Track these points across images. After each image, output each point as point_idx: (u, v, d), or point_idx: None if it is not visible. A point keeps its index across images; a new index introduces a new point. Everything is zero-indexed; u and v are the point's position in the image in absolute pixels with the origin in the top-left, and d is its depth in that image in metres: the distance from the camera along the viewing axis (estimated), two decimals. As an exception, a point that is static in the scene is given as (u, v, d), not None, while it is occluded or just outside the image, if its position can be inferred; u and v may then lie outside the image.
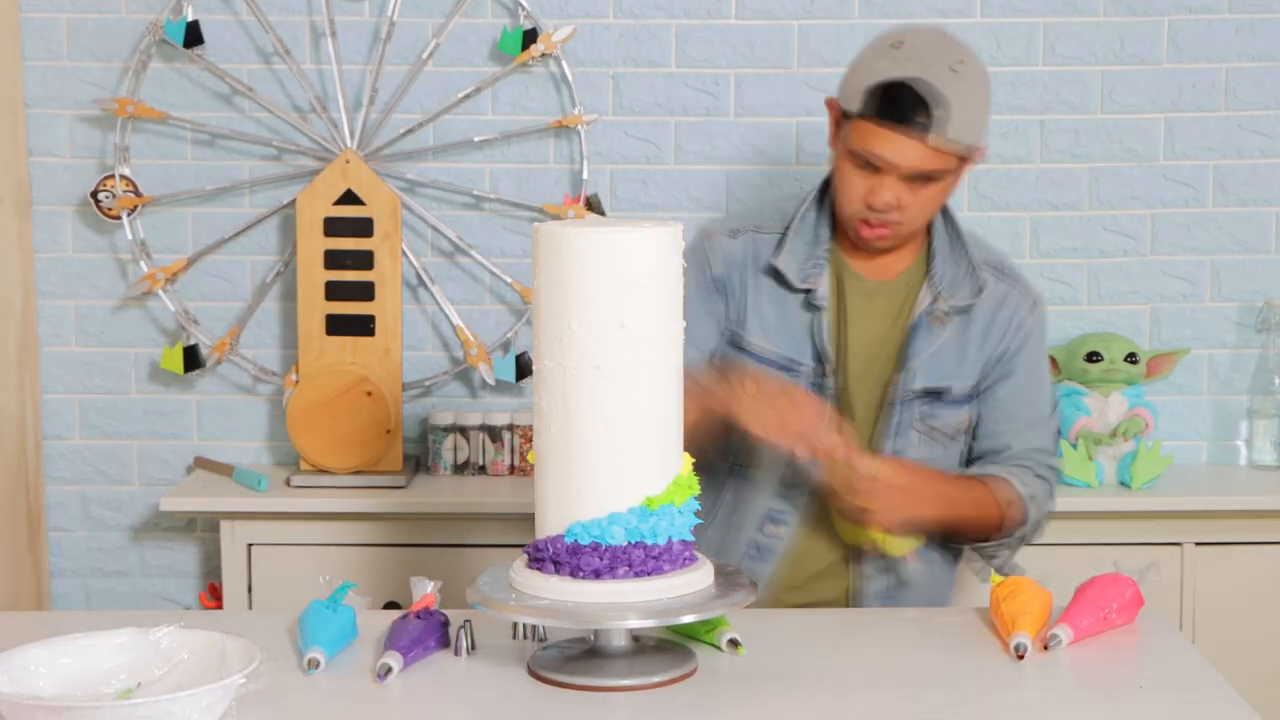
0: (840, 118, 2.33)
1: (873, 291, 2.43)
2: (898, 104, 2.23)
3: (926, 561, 2.44)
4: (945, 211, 2.46)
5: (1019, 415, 2.46)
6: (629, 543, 1.92)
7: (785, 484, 2.41)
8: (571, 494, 1.93)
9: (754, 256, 2.42)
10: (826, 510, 2.41)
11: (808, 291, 2.40)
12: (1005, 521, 2.42)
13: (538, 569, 1.95)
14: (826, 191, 2.44)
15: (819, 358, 2.40)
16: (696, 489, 2.00)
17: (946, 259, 2.44)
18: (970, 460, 2.49)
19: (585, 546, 1.91)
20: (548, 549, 1.94)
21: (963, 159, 2.31)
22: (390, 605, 2.97)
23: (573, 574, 1.92)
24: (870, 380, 2.42)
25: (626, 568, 1.92)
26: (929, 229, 2.44)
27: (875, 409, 2.42)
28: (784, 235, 2.41)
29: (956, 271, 2.43)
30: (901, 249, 2.43)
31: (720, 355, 2.43)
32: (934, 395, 2.42)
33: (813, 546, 2.43)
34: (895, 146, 2.25)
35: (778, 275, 2.40)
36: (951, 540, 2.45)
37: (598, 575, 1.91)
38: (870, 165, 2.28)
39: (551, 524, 1.95)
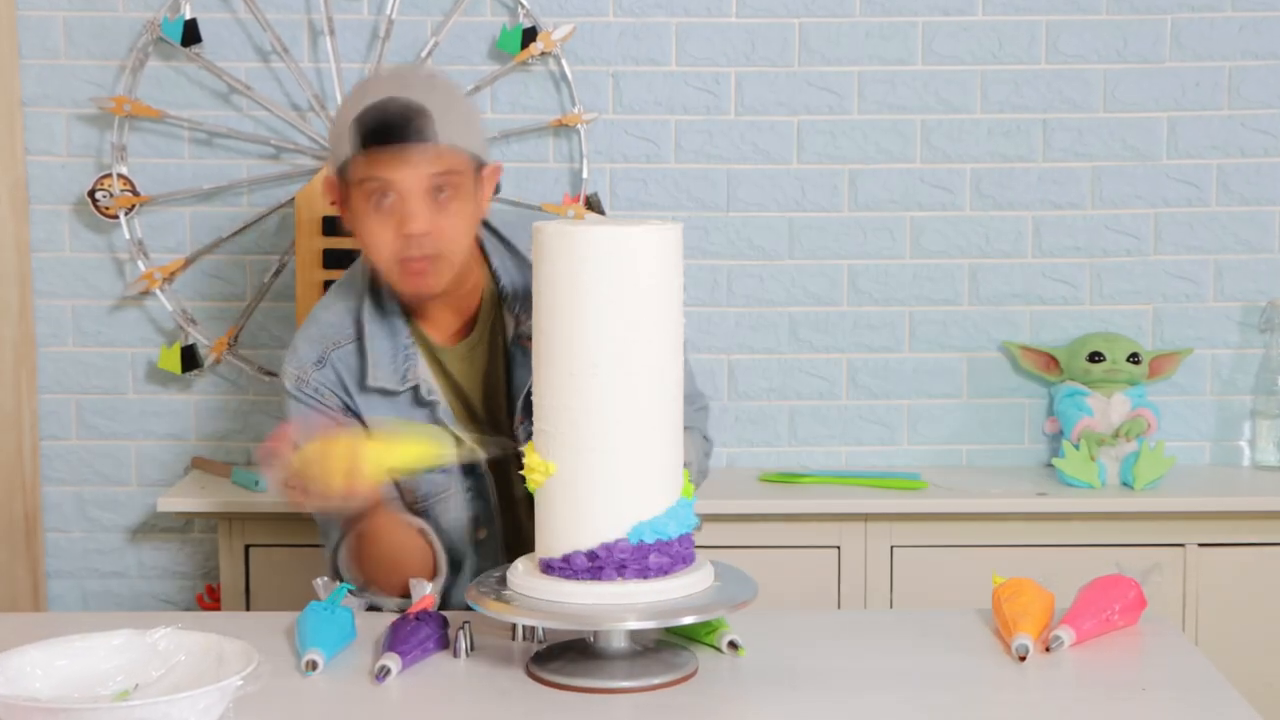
0: (339, 186, 2.25)
1: (463, 354, 2.35)
2: (380, 124, 2.16)
3: None
4: (485, 225, 2.37)
5: None
6: (679, 535, 1.94)
7: (471, 491, 2.37)
8: (633, 494, 1.93)
9: (348, 375, 2.32)
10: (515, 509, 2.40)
11: (414, 389, 2.30)
12: None
13: (593, 577, 1.93)
14: (376, 283, 2.33)
15: (458, 442, 2.32)
16: (693, 490, 2.03)
17: (510, 274, 2.34)
18: None
19: (650, 545, 1.92)
20: (609, 555, 1.92)
21: (474, 167, 2.23)
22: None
23: (642, 575, 1.92)
24: (508, 432, 2.33)
25: (683, 562, 1.96)
26: (482, 253, 2.35)
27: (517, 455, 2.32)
28: (361, 344, 2.31)
29: (524, 279, 2.30)
30: (463, 298, 2.32)
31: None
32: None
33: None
34: (396, 163, 2.16)
35: (379, 389, 2.31)
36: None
37: (664, 572, 1.93)
38: (383, 195, 2.18)
39: (599, 530, 1.93)
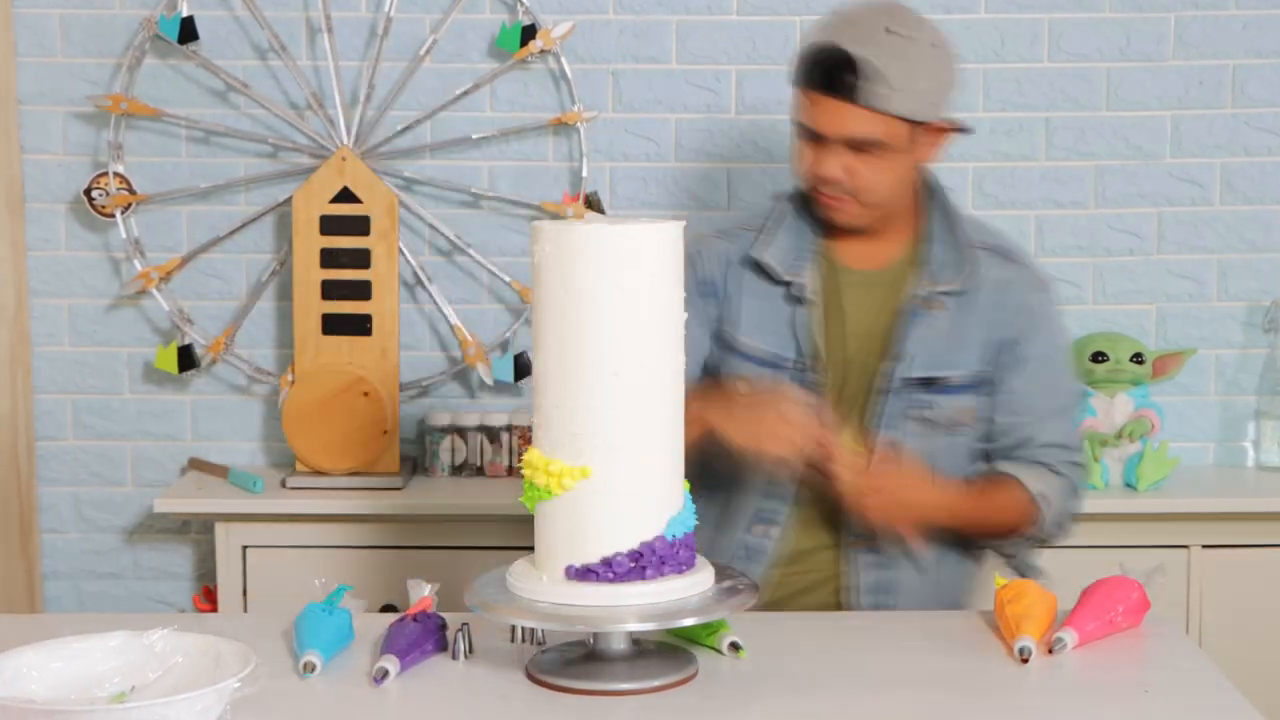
0: (793, 93, 2.35)
1: (862, 282, 2.41)
2: (821, 69, 2.24)
3: (938, 560, 2.42)
4: (937, 194, 2.44)
5: (1035, 406, 2.40)
6: (689, 530, 1.97)
7: (772, 483, 2.40)
8: (663, 492, 1.95)
9: (741, 253, 2.42)
10: (816, 508, 2.39)
11: (789, 284, 2.38)
12: (1017, 523, 2.39)
13: (638, 579, 1.92)
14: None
15: (802, 352, 2.38)
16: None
17: (940, 243, 2.41)
18: (990, 457, 2.44)
19: (681, 540, 1.95)
20: (651, 553, 1.92)
21: (915, 128, 2.28)
22: (387, 608, 2.96)
23: (678, 570, 1.94)
24: (861, 371, 2.39)
25: (696, 554, 1.99)
26: (922, 213, 2.42)
27: (864, 400, 2.39)
28: (762, 229, 2.41)
29: (951, 256, 2.39)
30: (888, 235, 2.40)
31: (713, 360, 2.43)
32: (928, 384, 2.38)
33: (804, 545, 2.42)
34: (825, 113, 2.25)
35: (760, 269, 2.40)
36: (959, 543, 2.44)
37: (692, 565, 1.96)
38: (813, 135, 2.29)
39: (638, 530, 1.93)
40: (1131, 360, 3.32)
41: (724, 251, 2.43)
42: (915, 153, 2.32)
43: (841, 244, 2.42)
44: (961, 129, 2.37)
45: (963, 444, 2.42)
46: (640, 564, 1.92)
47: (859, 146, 2.26)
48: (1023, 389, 2.40)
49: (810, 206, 2.41)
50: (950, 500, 2.34)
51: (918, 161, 2.34)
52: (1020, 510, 2.38)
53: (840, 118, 2.25)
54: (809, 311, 2.38)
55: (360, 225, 3.24)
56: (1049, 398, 2.42)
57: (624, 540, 1.93)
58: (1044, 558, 3.03)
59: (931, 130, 2.31)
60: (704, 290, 2.41)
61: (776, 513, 2.41)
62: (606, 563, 1.92)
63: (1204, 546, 3.19)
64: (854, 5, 2.31)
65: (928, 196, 2.43)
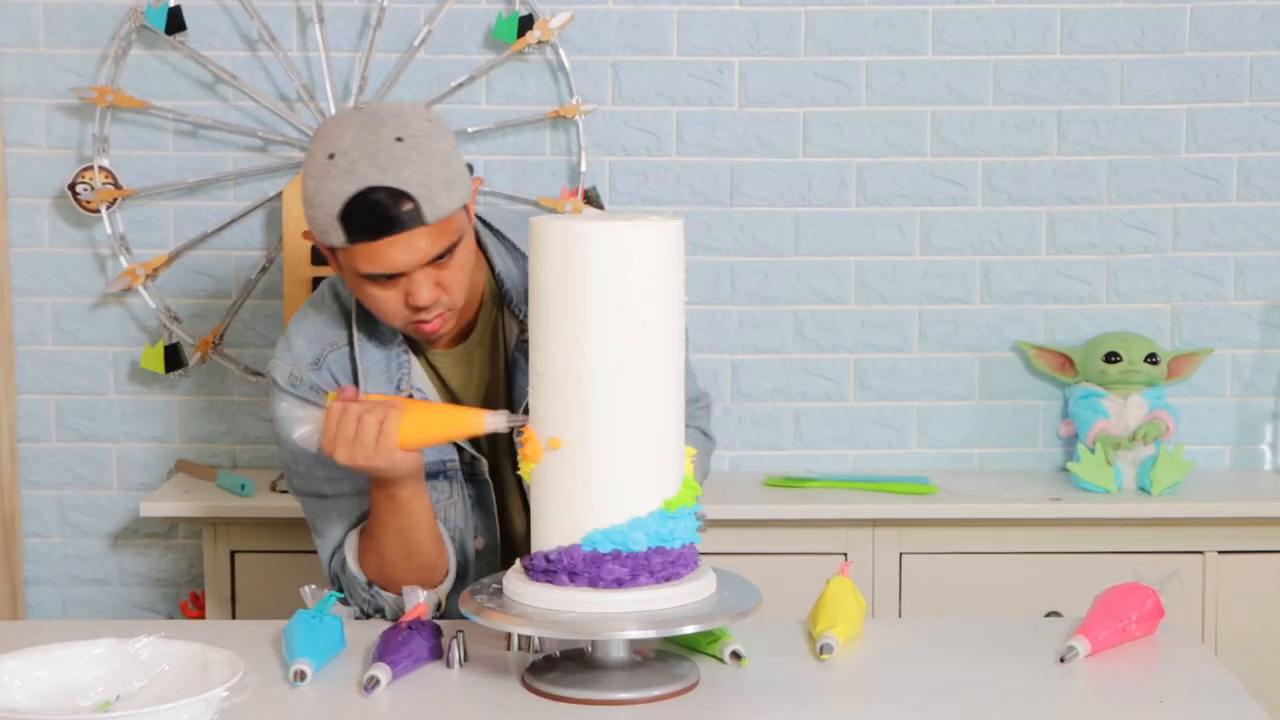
0: (327, 250, 2.22)
1: (460, 357, 2.35)
2: (373, 216, 2.11)
3: None
4: (484, 224, 2.37)
5: None
6: (650, 549, 1.93)
7: (472, 499, 2.37)
8: (590, 501, 1.93)
9: (343, 380, 2.32)
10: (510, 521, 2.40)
11: (409, 398, 2.28)
12: None
13: (549, 581, 1.94)
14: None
15: (458, 448, 2.33)
16: (700, 490, 2.01)
17: (513, 275, 2.34)
18: None
19: (606, 555, 1.92)
20: (562, 560, 1.93)
21: (466, 210, 2.22)
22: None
23: (593, 584, 1.92)
24: (508, 439, 2.31)
25: (649, 575, 1.93)
26: (483, 254, 2.34)
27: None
28: (352, 351, 2.32)
29: (523, 276, 2.30)
30: (467, 306, 2.32)
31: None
32: None
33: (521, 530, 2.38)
34: (398, 251, 2.14)
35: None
36: None
37: (620, 584, 1.92)
38: (389, 278, 2.18)
39: (562, 533, 1.94)
40: (1146, 361, 3.32)
41: (326, 383, 2.31)
42: (471, 228, 2.25)
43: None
44: (473, 173, 2.29)
45: None
46: (550, 568, 1.94)
47: (436, 260, 2.17)
48: None
49: (388, 331, 2.31)
50: None
51: (472, 236, 2.27)
52: None
53: (414, 247, 2.14)
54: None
55: (352, 221, 3.23)
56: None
57: (547, 541, 1.95)
58: (1051, 561, 3.04)
59: (471, 196, 2.25)
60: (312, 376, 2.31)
61: (481, 520, 2.38)
62: (531, 558, 1.96)
63: (1220, 552, 3.19)
64: (340, 138, 2.15)
65: (482, 237, 2.35)
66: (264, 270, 3.39)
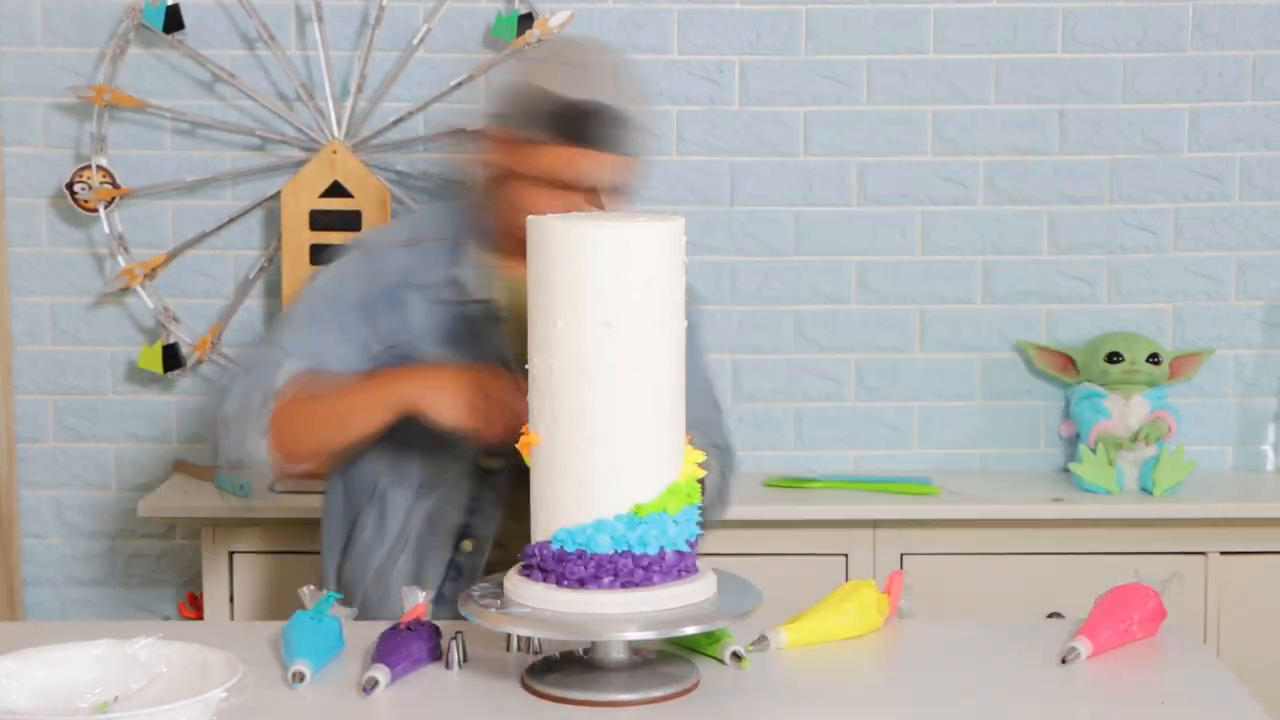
0: (512, 143, 2.32)
1: None
2: (594, 126, 2.28)
3: None
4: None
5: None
6: (616, 551, 1.92)
7: (474, 496, 2.38)
8: (559, 499, 1.94)
9: (431, 266, 2.38)
10: (519, 519, 2.40)
11: (485, 302, 2.36)
12: None
13: (527, 576, 1.96)
14: (482, 210, 2.41)
15: (505, 364, 2.33)
16: (696, 498, 2.00)
17: None
18: None
19: (571, 554, 1.92)
20: (535, 555, 1.94)
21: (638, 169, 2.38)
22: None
23: (558, 582, 1.93)
24: None
25: (612, 577, 1.92)
26: None
27: None
28: (457, 245, 2.40)
29: None
30: None
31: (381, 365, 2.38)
32: None
33: (509, 558, 2.39)
34: (603, 168, 2.29)
35: (456, 286, 2.38)
36: None
37: (582, 584, 1.92)
38: (564, 186, 2.30)
39: (541, 529, 1.96)
40: (1147, 361, 3.32)
41: (410, 263, 2.38)
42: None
43: (518, 262, 2.35)
44: None
45: None
46: (527, 562, 1.96)
47: (608, 190, 2.32)
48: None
49: (503, 243, 2.38)
50: None
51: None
52: None
53: (610, 169, 2.30)
54: (501, 326, 2.36)
55: (352, 220, 3.24)
56: (697, 409, 2.37)
57: (535, 535, 1.97)
58: (1056, 563, 3.04)
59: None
60: (366, 310, 2.36)
61: (480, 527, 2.39)
62: (522, 551, 1.98)
63: (1222, 553, 3.19)
64: (584, 50, 2.38)
65: None
66: (262, 270, 3.39)
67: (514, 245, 2.33)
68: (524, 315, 2.33)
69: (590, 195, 2.30)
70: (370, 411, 2.26)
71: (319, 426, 2.29)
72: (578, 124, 2.27)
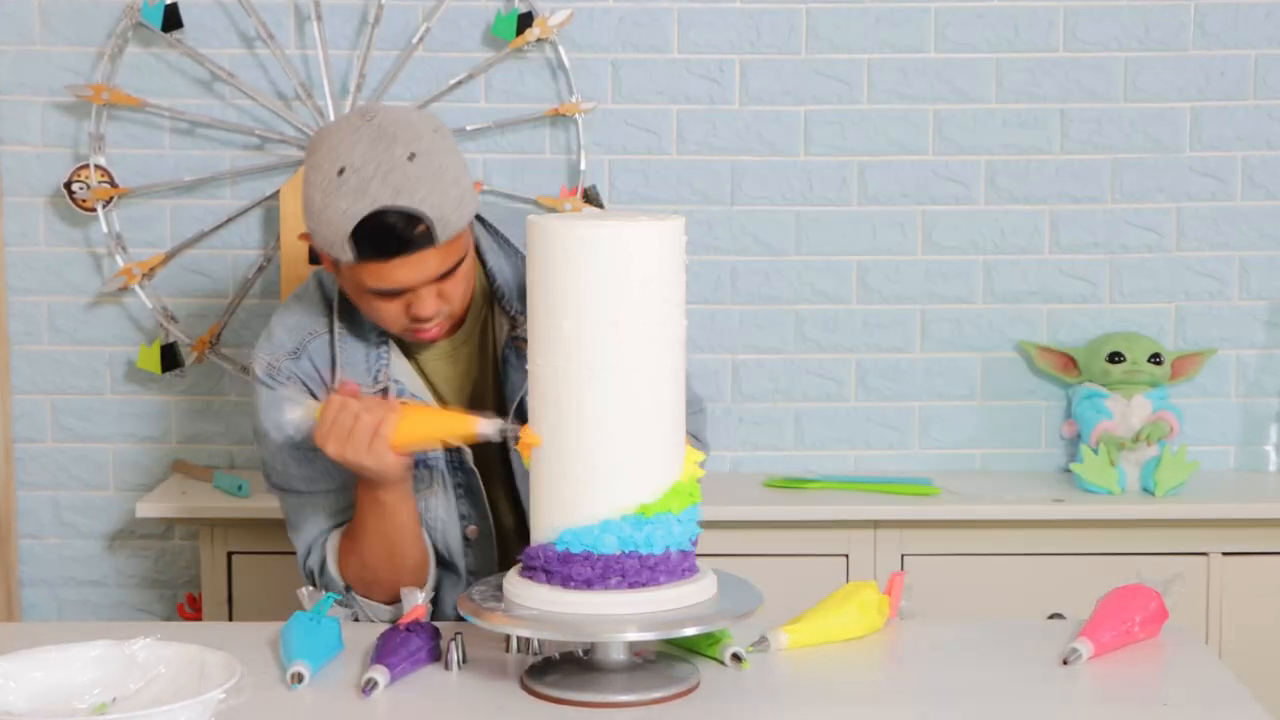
0: (330, 262, 2.22)
1: (446, 352, 2.33)
2: (386, 238, 2.11)
3: None
4: (480, 220, 2.35)
5: None
6: (623, 552, 1.92)
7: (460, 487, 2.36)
8: (564, 500, 1.94)
9: (324, 368, 2.31)
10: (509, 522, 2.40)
11: (384, 391, 2.27)
12: None
13: (529, 578, 1.95)
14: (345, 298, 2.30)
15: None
16: (698, 497, 2.00)
17: (505, 272, 2.31)
18: None
19: (577, 555, 1.92)
20: (539, 556, 1.94)
21: (470, 225, 2.23)
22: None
23: (563, 583, 1.93)
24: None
25: (620, 578, 1.92)
26: (476, 251, 2.31)
27: (504, 462, 2.35)
28: (331, 340, 2.30)
29: (521, 277, 2.27)
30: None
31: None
32: None
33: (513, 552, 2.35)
34: (407, 271, 2.14)
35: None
36: None
37: (589, 585, 1.92)
38: (396, 293, 2.18)
39: (544, 531, 1.96)
40: (1149, 361, 3.32)
41: (305, 372, 2.30)
42: (470, 241, 2.24)
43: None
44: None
45: None
46: (529, 565, 1.96)
47: (445, 274, 2.18)
48: None
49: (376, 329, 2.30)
50: None
51: (471, 246, 2.26)
52: None
53: (424, 266, 2.14)
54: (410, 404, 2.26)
55: (350, 220, 3.24)
56: None
57: (535, 537, 1.97)
58: (1059, 564, 3.03)
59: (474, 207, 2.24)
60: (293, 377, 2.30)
61: (471, 509, 2.37)
62: (524, 553, 1.98)
63: (1224, 554, 3.19)
64: (353, 149, 2.13)
65: (475, 233, 2.32)
66: (261, 269, 3.39)
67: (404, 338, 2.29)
68: (435, 374, 2.33)
69: (441, 279, 2.18)
70: (363, 513, 2.24)
71: (371, 562, 2.27)
72: (364, 243, 2.11)
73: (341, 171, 2.12)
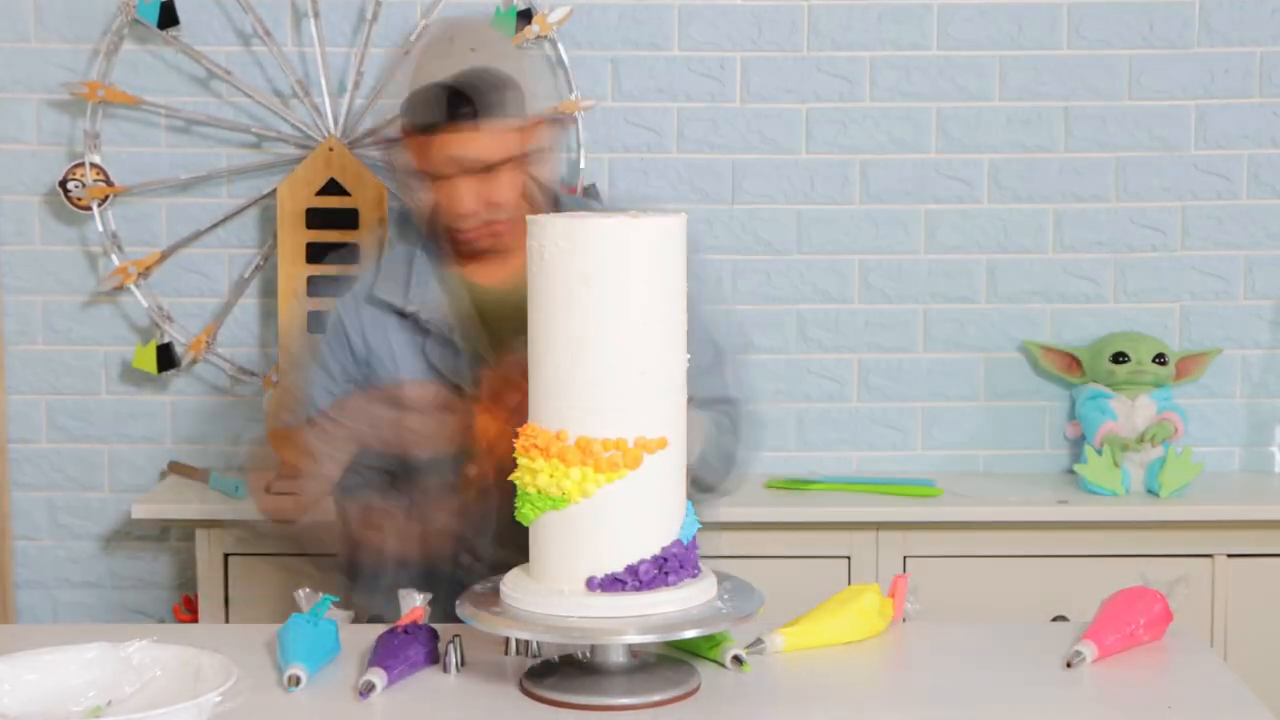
0: (404, 139, 2.38)
1: (500, 299, 2.40)
2: (424, 109, 2.31)
3: None
4: (543, 189, 2.47)
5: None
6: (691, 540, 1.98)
7: (468, 513, 2.39)
8: (682, 494, 1.97)
9: (365, 294, 2.45)
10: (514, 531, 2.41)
11: (414, 314, 2.39)
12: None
13: (661, 583, 1.93)
14: (409, 221, 2.47)
15: (450, 382, 2.37)
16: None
17: None
18: None
19: (693, 541, 1.96)
20: (673, 559, 1.93)
21: (521, 134, 2.35)
22: (375, 619, 2.96)
23: (693, 575, 1.95)
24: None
25: (694, 569, 1.99)
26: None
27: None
28: (410, 260, 2.43)
29: None
30: (518, 250, 2.32)
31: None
32: None
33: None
34: (451, 147, 2.31)
35: (383, 304, 2.42)
36: None
37: (698, 571, 1.97)
38: (438, 175, 2.34)
39: (660, 535, 1.94)
40: (1154, 361, 3.32)
41: (353, 302, 2.45)
42: (528, 157, 2.38)
43: (470, 266, 2.44)
44: (556, 119, 2.50)
45: None
46: (664, 570, 1.93)
47: (482, 170, 2.33)
48: None
49: (440, 243, 2.43)
50: None
51: (533, 163, 2.40)
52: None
53: (465, 148, 2.31)
54: (436, 339, 2.39)
55: (348, 219, 3.24)
56: (694, 358, 2.42)
57: (649, 547, 1.93)
58: (1060, 565, 3.03)
59: (531, 129, 2.38)
60: (354, 356, 2.44)
61: (481, 534, 2.38)
62: (633, 570, 1.92)
63: (1229, 555, 3.19)
64: (433, 38, 2.38)
65: (550, 205, 2.45)
66: (258, 269, 3.39)
67: (447, 247, 2.42)
68: (470, 320, 2.39)
69: (484, 175, 2.32)
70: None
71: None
72: (415, 112, 2.32)
73: (409, 55, 2.38)
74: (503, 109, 2.31)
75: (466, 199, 2.33)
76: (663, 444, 1.92)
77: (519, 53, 2.44)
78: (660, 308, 1.94)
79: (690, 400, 2.36)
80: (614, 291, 1.92)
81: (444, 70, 2.31)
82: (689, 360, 2.35)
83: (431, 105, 2.30)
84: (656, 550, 1.93)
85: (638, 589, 1.91)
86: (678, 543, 1.94)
